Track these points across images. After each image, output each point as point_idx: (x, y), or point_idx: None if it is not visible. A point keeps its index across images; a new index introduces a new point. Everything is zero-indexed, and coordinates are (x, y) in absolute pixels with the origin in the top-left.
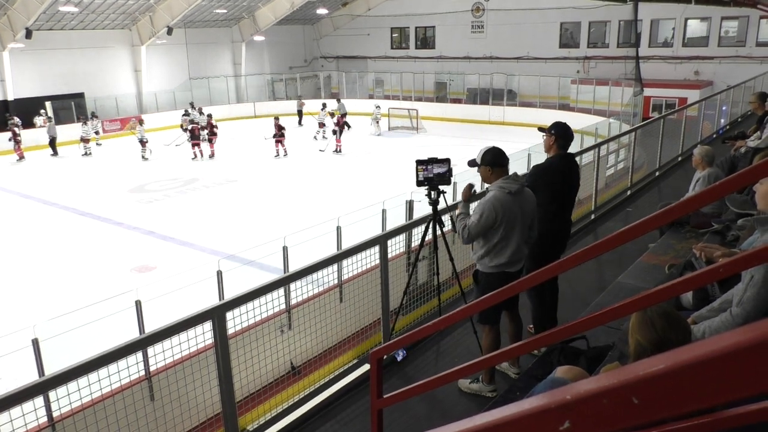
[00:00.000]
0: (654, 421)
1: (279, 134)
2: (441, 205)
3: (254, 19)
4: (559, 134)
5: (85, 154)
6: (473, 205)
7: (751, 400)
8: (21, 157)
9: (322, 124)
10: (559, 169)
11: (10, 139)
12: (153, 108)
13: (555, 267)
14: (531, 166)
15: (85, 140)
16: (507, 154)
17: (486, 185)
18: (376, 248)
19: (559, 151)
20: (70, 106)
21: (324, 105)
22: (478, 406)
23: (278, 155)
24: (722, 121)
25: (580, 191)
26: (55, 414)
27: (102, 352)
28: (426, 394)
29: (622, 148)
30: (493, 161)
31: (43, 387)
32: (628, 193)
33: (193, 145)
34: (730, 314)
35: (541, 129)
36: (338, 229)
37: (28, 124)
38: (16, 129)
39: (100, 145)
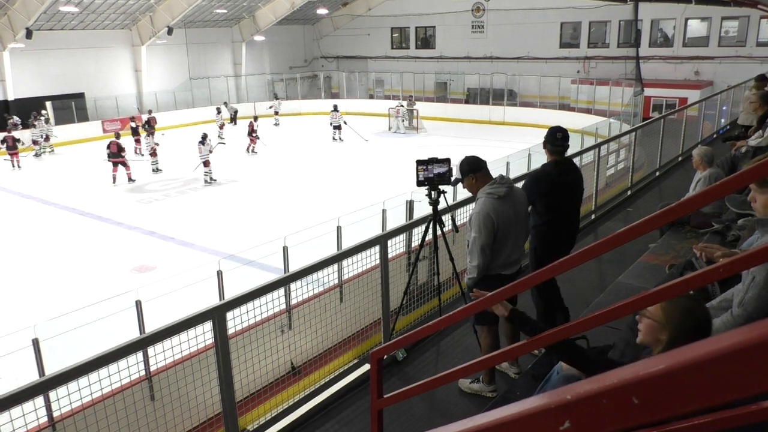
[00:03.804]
0: (654, 421)
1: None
2: (441, 205)
3: (254, 19)
4: (546, 139)
5: None
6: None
7: (751, 400)
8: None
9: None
10: (552, 176)
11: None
12: (153, 108)
13: (555, 267)
14: (529, 170)
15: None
16: (506, 154)
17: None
18: (377, 248)
19: (553, 157)
20: (71, 106)
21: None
22: (478, 406)
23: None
24: (722, 121)
25: None
26: (56, 414)
27: (102, 352)
28: (426, 394)
29: (623, 148)
30: (471, 168)
31: (43, 387)
32: (629, 193)
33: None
34: (731, 315)
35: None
36: (338, 229)
37: (28, 124)
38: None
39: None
